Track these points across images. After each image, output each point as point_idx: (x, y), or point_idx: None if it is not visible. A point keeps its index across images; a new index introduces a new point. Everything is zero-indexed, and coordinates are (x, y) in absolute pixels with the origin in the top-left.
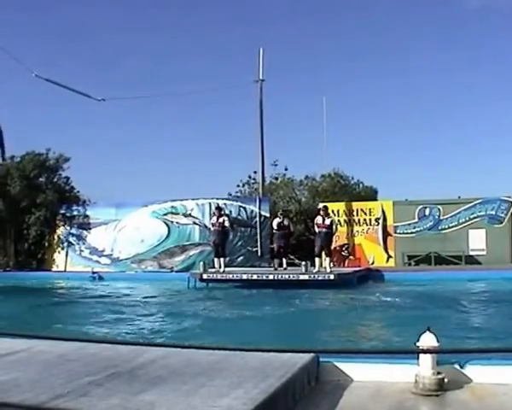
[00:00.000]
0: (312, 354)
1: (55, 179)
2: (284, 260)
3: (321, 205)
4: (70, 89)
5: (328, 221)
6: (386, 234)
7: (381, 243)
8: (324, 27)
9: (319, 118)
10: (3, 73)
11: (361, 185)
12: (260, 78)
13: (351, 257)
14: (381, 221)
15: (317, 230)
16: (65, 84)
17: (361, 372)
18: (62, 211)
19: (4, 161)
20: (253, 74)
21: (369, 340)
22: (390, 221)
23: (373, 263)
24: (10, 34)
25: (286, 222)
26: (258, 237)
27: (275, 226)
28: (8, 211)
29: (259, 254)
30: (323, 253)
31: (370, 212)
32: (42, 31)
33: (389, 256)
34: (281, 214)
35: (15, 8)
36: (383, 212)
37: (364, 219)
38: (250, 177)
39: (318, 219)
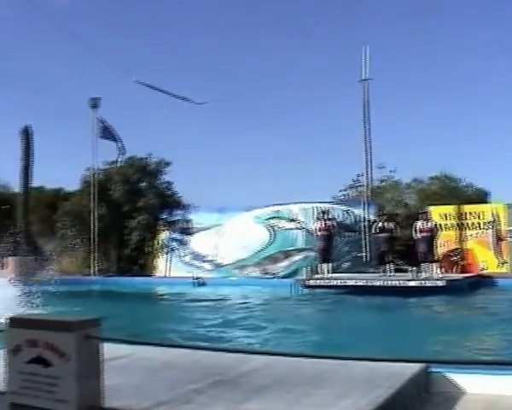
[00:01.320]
0: (422, 364)
1: (157, 184)
2: (390, 266)
3: (422, 209)
4: (170, 94)
5: (429, 225)
6: (498, 238)
7: (493, 247)
8: (439, 22)
9: (427, 117)
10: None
11: (472, 188)
12: (365, 77)
13: (461, 263)
14: (492, 225)
15: (418, 235)
16: (164, 89)
17: (475, 384)
18: (164, 216)
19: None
20: (357, 73)
21: (483, 350)
22: (503, 225)
23: (484, 269)
24: (108, 37)
25: (389, 225)
26: (365, 241)
27: (377, 230)
28: (111, 216)
29: (366, 259)
30: (429, 258)
31: (481, 215)
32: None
33: (502, 262)
34: (381, 216)
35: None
36: (495, 215)
37: (475, 223)
38: (355, 180)
39: (419, 224)
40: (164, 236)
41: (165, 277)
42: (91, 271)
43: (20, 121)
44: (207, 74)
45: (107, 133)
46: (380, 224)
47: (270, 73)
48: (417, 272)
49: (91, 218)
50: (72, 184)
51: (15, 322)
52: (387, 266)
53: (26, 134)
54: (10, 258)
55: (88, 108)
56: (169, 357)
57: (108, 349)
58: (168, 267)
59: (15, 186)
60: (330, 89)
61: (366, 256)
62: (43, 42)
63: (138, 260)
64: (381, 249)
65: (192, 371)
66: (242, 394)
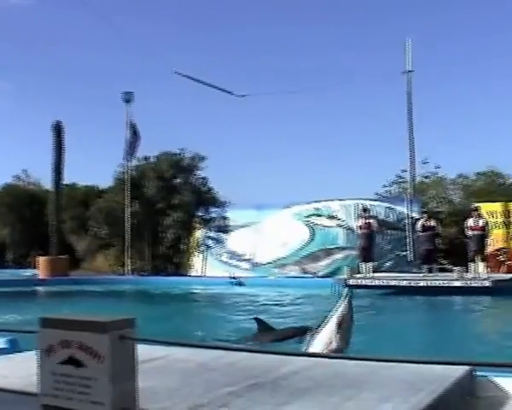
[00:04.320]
0: (467, 368)
1: (192, 180)
2: (434, 265)
3: (473, 205)
4: (210, 85)
5: (481, 223)
6: None
7: None
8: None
9: (473, 111)
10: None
11: None
12: (408, 69)
13: (508, 262)
14: None
15: (470, 233)
16: (204, 80)
17: None
18: (200, 213)
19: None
20: (401, 66)
21: None
22: None
23: None
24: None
25: (432, 223)
26: (408, 240)
27: (419, 228)
28: (145, 213)
29: (409, 258)
30: (477, 258)
31: None
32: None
33: None
34: (424, 213)
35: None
36: None
37: None
38: (398, 176)
39: (470, 222)
40: (200, 234)
41: (202, 276)
42: (125, 269)
43: (54, 114)
44: (249, 66)
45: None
46: (422, 221)
47: (312, 66)
48: (463, 272)
49: (125, 215)
50: (105, 180)
51: (47, 322)
52: (432, 266)
53: (58, 130)
54: (41, 258)
55: (121, 102)
56: (205, 359)
57: (143, 351)
58: (204, 266)
59: (47, 183)
60: (374, 82)
61: (409, 255)
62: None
63: (173, 259)
64: (425, 248)
65: (229, 374)
66: (282, 397)
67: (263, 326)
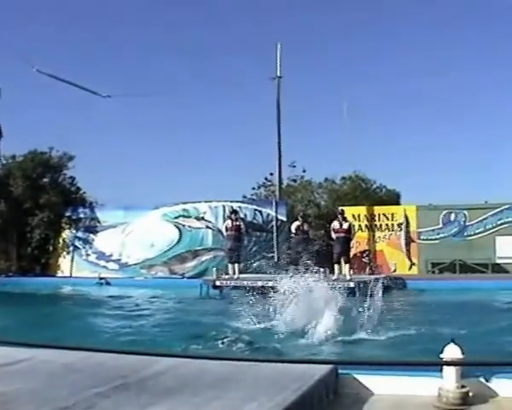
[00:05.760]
0: (331, 366)
1: (60, 180)
2: (301, 267)
3: (339, 209)
4: (74, 84)
5: (345, 225)
6: (409, 240)
7: (404, 249)
8: (345, 23)
9: (340, 118)
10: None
11: (383, 189)
12: (277, 74)
13: (372, 264)
14: (403, 227)
15: (334, 235)
16: (68, 80)
17: (382, 385)
18: (68, 213)
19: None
20: (269, 72)
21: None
22: (413, 227)
23: (395, 270)
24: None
25: (305, 227)
26: (275, 242)
27: (293, 230)
28: (11, 213)
29: (276, 260)
30: (342, 259)
31: (393, 217)
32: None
33: (412, 264)
34: (301, 217)
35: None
36: (406, 217)
37: (386, 225)
38: (266, 179)
39: (335, 225)
40: (67, 234)
41: (69, 277)
42: None
43: None
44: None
45: None
46: (296, 224)
47: (181, 70)
48: (328, 273)
49: None
50: None
51: None
52: (298, 268)
53: None
54: None
55: None
56: (71, 360)
57: (6, 353)
58: (72, 267)
59: None
60: (244, 87)
61: (276, 257)
62: None
63: (41, 260)
64: (296, 250)
65: (95, 375)
66: (148, 397)
67: None
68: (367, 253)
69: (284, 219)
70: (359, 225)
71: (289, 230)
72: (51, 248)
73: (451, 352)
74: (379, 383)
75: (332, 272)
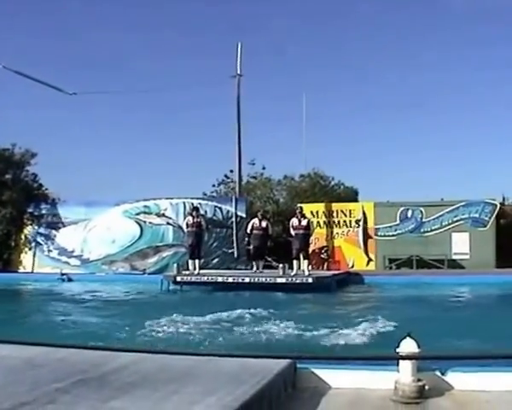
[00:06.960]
0: (289, 360)
1: (22, 176)
2: (261, 263)
3: (298, 206)
4: (40, 82)
5: (304, 222)
6: (366, 236)
7: (362, 245)
8: (307, 27)
9: (299, 117)
10: None
11: (341, 186)
12: (238, 73)
13: (330, 260)
14: (361, 223)
15: (293, 232)
16: (35, 77)
17: (339, 379)
18: (30, 209)
19: None
20: (229, 71)
21: (348, 347)
22: (371, 223)
23: (353, 266)
24: None
25: (264, 223)
26: (235, 238)
27: (250, 227)
28: None
29: (235, 255)
30: (301, 255)
31: (351, 213)
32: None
33: (369, 259)
34: (261, 214)
35: None
36: (364, 213)
37: (344, 221)
38: (226, 176)
39: (294, 221)
40: (30, 230)
41: (31, 272)
42: None
43: None
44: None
45: None
46: (255, 220)
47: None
48: (287, 269)
49: None
50: None
51: None
52: (258, 263)
53: None
54: None
55: None
56: (32, 355)
57: None
58: (34, 263)
59: None
60: (205, 86)
61: (236, 252)
62: None
63: (3, 255)
64: (254, 246)
65: (56, 370)
66: (108, 392)
67: None
68: (325, 249)
69: (244, 215)
70: (318, 222)
71: (247, 225)
72: (13, 244)
73: (408, 346)
74: (337, 377)
75: (291, 267)
